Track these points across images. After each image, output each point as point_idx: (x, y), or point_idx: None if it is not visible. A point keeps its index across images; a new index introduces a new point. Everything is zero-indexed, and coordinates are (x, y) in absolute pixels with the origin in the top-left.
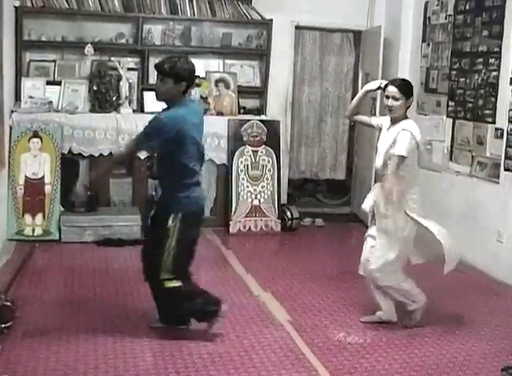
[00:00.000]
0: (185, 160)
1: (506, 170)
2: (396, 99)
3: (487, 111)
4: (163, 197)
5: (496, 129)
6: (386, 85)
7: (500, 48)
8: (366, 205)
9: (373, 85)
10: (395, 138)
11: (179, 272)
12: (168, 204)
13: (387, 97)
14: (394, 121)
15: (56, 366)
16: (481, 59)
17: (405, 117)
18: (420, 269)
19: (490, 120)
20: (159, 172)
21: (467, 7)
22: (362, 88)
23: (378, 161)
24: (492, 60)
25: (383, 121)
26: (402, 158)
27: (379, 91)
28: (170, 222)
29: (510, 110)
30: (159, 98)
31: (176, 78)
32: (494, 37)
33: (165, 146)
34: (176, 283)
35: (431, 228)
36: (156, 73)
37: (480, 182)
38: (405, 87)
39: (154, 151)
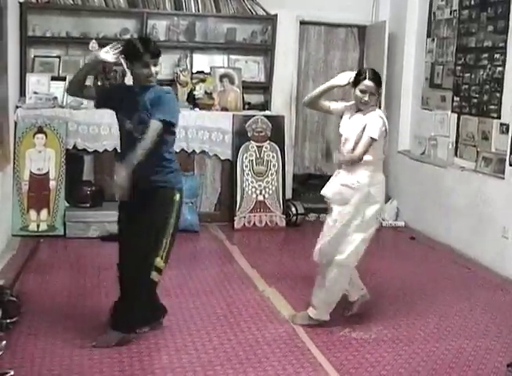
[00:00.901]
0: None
1: (511, 165)
2: (373, 94)
3: (492, 106)
4: (157, 174)
5: (501, 124)
6: (358, 79)
7: (505, 43)
8: (328, 191)
9: (341, 80)
10: (367, 123)
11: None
12: (168, 179)
13: (363, 91)
14: (361, 110)
15: (62, 362)
16: (486, 55)
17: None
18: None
19: (495, 115)
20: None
21: (472, 2)
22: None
23: (348, 147)
24: (497, 55)
25: (343, 108)
26: (372, 141)
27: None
28: (177, 197)
29: None
30: (155, 81)
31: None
32: (499, 33)
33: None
34: (158, 278)
35: None
36: (148, 57)
37: (485, 177)
38: (379, 80)
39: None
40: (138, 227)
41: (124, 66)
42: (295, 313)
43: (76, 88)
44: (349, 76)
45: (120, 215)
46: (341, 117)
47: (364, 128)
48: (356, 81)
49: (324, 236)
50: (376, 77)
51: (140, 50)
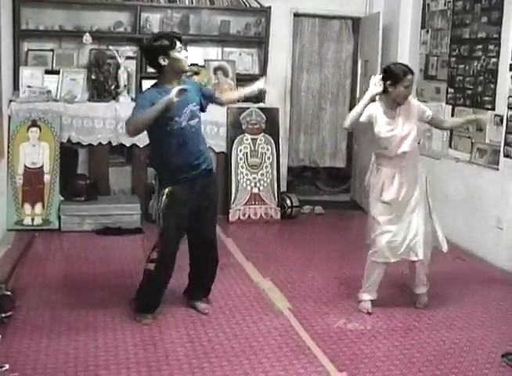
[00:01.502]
0: None
1: (505, 156)
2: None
3: (486, 98)
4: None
5: (496, 116)
6: (399, 77)
7: (499, 34)
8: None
9: (377, 87)
10: (416, 109)
11: None
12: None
13: (407, 86)
14: (398, 105)
15: (57, 355)
16: (480, 46)
17: None
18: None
19: (489, 106)
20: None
21: None
22: (361, 75)
23: (408, 142)
24: (491, 47)
25: (372, 111)
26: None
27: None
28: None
29: (509, 97)
30: None
31: None
32: (493, 24)
33: None
34: None
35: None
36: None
37: (479, 168)
38: None
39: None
40: (213, 202)
41: (118, 59)
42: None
43: (142, 130)
44: (378, 80)
45: (184, 195)
46: (373, 122)
47: (419, 113)
48: (397, 79)
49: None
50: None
51: None
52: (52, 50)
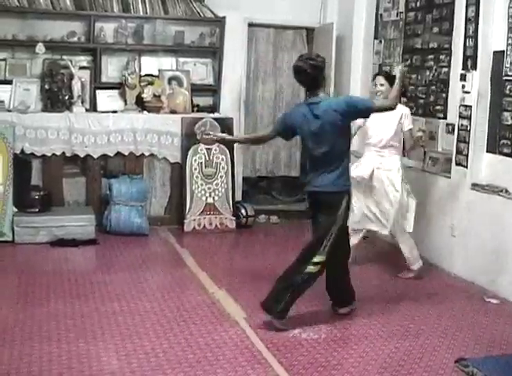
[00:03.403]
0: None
1: (457, 165)
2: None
3: (438, 107)
4: None
5: (447, 125)
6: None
7: (450, 44)
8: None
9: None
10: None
11: None
12: None
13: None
14: None
15: (9, 370)
16: (431, 56)
17: None
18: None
19: (441, 115)
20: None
21: (418, 4)
22: None
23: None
24: (442, 57)
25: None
26: None
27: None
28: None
29: (460, 106)
30: None
31: None
32: (444, 34)
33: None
34: None
35: None
36: None
37: (432, 176)
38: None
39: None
40: None
41: (72, 69)
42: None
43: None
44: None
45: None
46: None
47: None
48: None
49: None
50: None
51: None
52: (4, 59)
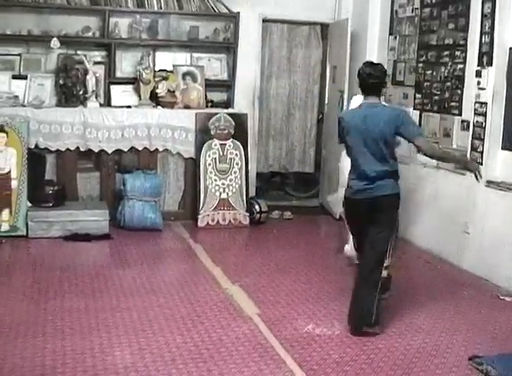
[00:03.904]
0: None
1: (472, 161)
2: None
3: (453, 103)
4: None
5: (462, 121)
6: None
7: (466, 40)
8: None
9: None
10: None
11: None
12: None
13: None
14: None
15: (24, 364)
16: (447, 52)
17: None
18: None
19: (456, 112)
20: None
21: (434, 0)
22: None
23: None
24: (457, 53)
25: None
26: None
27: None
28: None
29: (475, 103)
30: None
31: None
32: (460, 30)
33: None
34: None
35: None
36: None
37: (446, 173)
38: None
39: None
40: None
41: (86, 64)
42: None
43: None
44: None
45: None
46: None
47: None
48: None
49: None
50: None
51: None
52: (19, 55)
